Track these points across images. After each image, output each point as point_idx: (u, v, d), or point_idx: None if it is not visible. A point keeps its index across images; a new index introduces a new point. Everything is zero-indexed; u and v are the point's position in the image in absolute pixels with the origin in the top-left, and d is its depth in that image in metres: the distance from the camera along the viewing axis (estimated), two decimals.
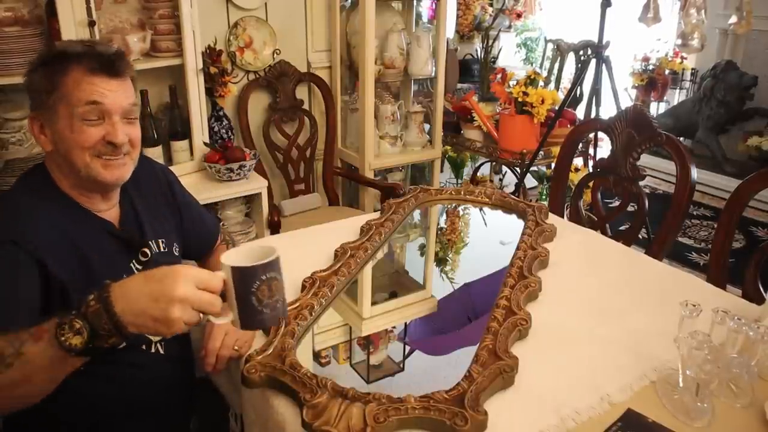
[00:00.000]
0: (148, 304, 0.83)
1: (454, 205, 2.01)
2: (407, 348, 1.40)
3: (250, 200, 2.61)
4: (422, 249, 2.00)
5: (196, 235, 1.43)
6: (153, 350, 1.23)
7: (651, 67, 4.85)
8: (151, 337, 1.23)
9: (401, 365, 1.33)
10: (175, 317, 0.83)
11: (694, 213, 3.95)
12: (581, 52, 4.11)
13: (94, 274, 1.12)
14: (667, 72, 4.83)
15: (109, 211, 1.21)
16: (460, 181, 3.88)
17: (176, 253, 1.33)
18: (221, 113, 2.60)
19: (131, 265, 1.20)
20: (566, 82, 4.35)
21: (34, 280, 1.04)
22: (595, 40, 2.83)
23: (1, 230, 1.05)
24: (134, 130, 1.16)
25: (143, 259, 1.22)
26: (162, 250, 1.28)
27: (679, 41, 3.10)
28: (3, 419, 1.21)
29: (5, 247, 1.03)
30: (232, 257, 0.87)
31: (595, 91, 2.89)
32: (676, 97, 4.95)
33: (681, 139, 3.94)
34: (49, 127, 1.12)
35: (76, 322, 0.84)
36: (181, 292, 0.83)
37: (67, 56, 1.10)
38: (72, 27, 1.99)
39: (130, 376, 1.18)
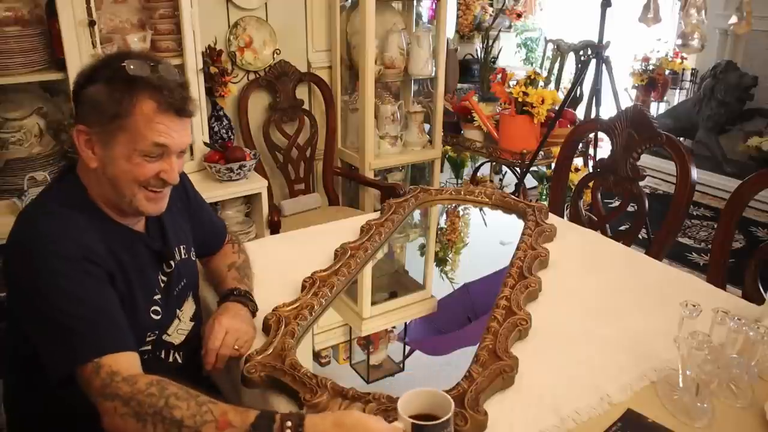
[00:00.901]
0: None
1: (454, 205, 2.01)
2: (407, 348, 1.40)
3: (250, 200, 2.61)
4: (422, 249, 2.00)
5: (207, 237, 1.42)
6: (171, 360, 1.23)
7: (651, 67, 4.85)
8: (172, 341, 1.23)
9: (401, 365, 1.33)
10: None
11: (694, 213, 3.95)
12: (581, 52, 4.11)
13: (133, 288, 1.12)
14: (667, 72, 4.83)
15: (139, 223, 1.19)
16: (460, 181, 3.88)
17: (193, 258, 1.33)
18: (221, 113, 2.60)
19: (159, 277, 1.20)
20: (566, 82, 4.35)
21: (114, 293, 1.05)
22: (595, 40, 2.83)
23: (69, 247, 1.02)
24: (182, 162, 1.15)
25: (168, 270, 1.22)
26: (183, 257, 1.27)
27: (679, 41, 3.09)
28: (9, 415, 1.21)
29: (83, 265, 1.01)
30: (408, 404, 0.89)
31: (595, 91, 2.89)
32: (676, 97, 4.95)
33: (681, 139, 3.94)
34: (101, 147, 1.07)
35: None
36: None
37: (137, 83, 1.05)
38: (72, 27, 1.99)
39: None
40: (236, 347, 1.17)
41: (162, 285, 1.20)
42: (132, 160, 1.06)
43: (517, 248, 1.54)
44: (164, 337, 1.22)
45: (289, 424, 0.87)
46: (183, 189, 1.35)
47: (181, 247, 1.27)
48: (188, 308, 1.29)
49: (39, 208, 1.11)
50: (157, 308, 1.17)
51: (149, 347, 1.17)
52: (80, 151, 1.08)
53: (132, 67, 1.05)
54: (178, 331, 1.25)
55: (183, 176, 1.36)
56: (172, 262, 1.23)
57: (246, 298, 1.27)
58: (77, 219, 1.06)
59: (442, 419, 0.86)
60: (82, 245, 1.02)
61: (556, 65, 4.39)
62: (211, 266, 1.43)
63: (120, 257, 1.10)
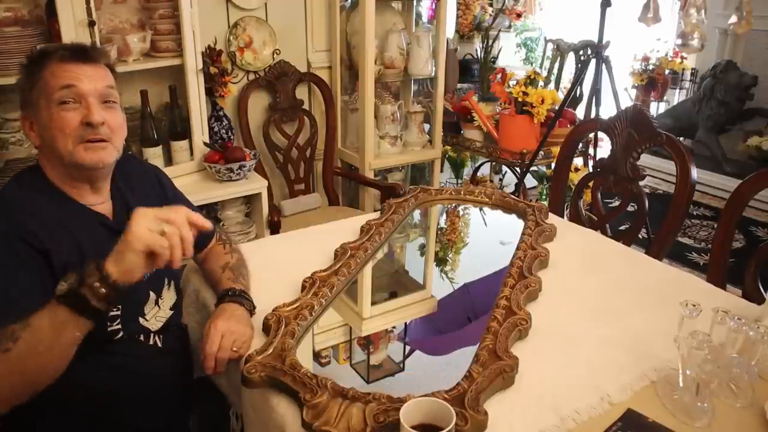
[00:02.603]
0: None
1: (454, 205, 2.01)
2: (407, 348, 1.40)
3: (250, 200, 2.61)
4: (422, 249, 2.00)
5: None
6: (151, 342, 1.25)
7: (651, 67, 4.85)
8: (149, 327, 1.25)
9: (401, 365, 1.33)
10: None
11: (694, 213, 3.95)
12: (581, 52, 4.11)
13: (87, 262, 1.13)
14: (667, 72, 4.83)
15: (102, 205, 1.23)
16: (460, 181, 3.88)
17: None
18: (221, 113, 2.60)
19: None
20: (566, 82, 4.34)
21: (34, 276, 1.06)
22: (595, 40, 2.83)
23: (5, 225, 1.08)
24: (113, 114, 1.18)
25: None
26: None
27: (679, 41, 3.10)
28: None
29: (13, 243, 1.06)
30: (410, 413, 0.90)
31: (595, 91, 2.88)
32: (676, 97, 4.95)
33: (681, 138, 3.94)
34: (35, 121, 1.16)
35: (69, 276, 0.97)
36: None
37: (45, 53, 1.16)
38: (72, 27, 1.99)
39: (128, 367, 1.20)
40: (234, 349, 1.17)
41: None
42: (54, 115, 1.13)
43: (517, 248, 1.54)
44: (141, 321, 1.24)
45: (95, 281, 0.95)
46: (159, 183, 1.39)
47: None
48: (168, 297, 1.31)
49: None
50: None
51: (119, 326, 1.19)
52: (27, 135, 1.19)
53: (38, 47, 1.18)
54: (157, 318, 1.27)
55: (159, 172, 1.42)
56: None
57: (242, 298, 1.28)
58: (23, 197, 1.14)
59: (444, 431, 0.87)
60: (15, 222, 1.08)
61: (556, 65, 4.38)
62: (206, 268, 1.44)
63: (74, 233, 1.14)
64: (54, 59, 1.14)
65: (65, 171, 1.17)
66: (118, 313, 1.19)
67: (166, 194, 1.39)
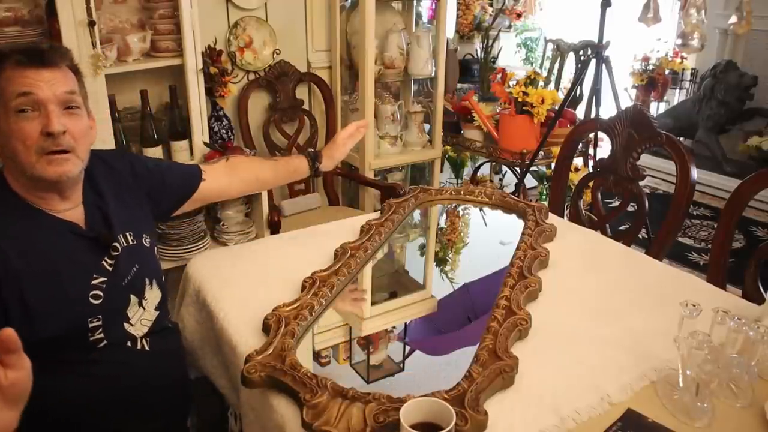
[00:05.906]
0: None
1: (454, 205, 2.01)
2: (407, 348, 1.40)
3: (250, 200, 2.61)
4: (422, 249, 2.00)
5: (186, 183, 1.44)
6: (139, 347, 1.23)
7: (651, 67, 4.85)
8: (135, 333, 1.23)
9: (401, 365, 1.33)
10: None
11: (694, 213, 3.95)
12: (581, 52, 4.11)
13: (61, 277, 1.11)
14: (667, 72, 4.83)
15: (71, 211, 1.19)
16: (460, 181, 3.88)
17: (146, 244, 1.31)
18: (221, 113, 2.60)
19: (103, 262, 1.19)
20: (566, 82, 4.35)
21: None
22: (595, 40, 2.83)
23: None
24: (75, 121, 1.13)
25: (114, 254, 1.21)
26: (131, 243, 1.26)
27: (679, 41, 3.10)
28: None
29: None
30: (410, 413, 0.90)
31: (595, 91, 2.89)
32: (676, 97, 4.95)
33: (681, 138, 3.94)
34: None
35: None
36: None
37: (0, 58, 1.10)
38: (72, 27, 1.99)
39: (116, 373, 1.19)
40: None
41: (110, 269, 1.19)
42: (13, 125, 1.08)
43: (517, 248, 1.54)
44: (126, 326, 1.22)
45: None
46: (130, 168, 1.33)
47: (128, 234, 1.26)
48: (152, 296, 1.29)
49: None
50: (99, 293, 1.16)
51: (101, 335, 1.17)
52: None
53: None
54: (142, 322, 1.25)
55: (129, 155, 1.39)
56: (118, 246, 1.22)
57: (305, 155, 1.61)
58: None
59: (444, 431, 0.87)
60: None
61: (556, 65, 4.39)
62: (244, 176, 1.55)
63: (44, 246, 1.11)
64: (10, 64, 1.08)
65: (28, 182, 1.12)
66: (99, 323, 1.16)
67: (136, 174, 1.34)
